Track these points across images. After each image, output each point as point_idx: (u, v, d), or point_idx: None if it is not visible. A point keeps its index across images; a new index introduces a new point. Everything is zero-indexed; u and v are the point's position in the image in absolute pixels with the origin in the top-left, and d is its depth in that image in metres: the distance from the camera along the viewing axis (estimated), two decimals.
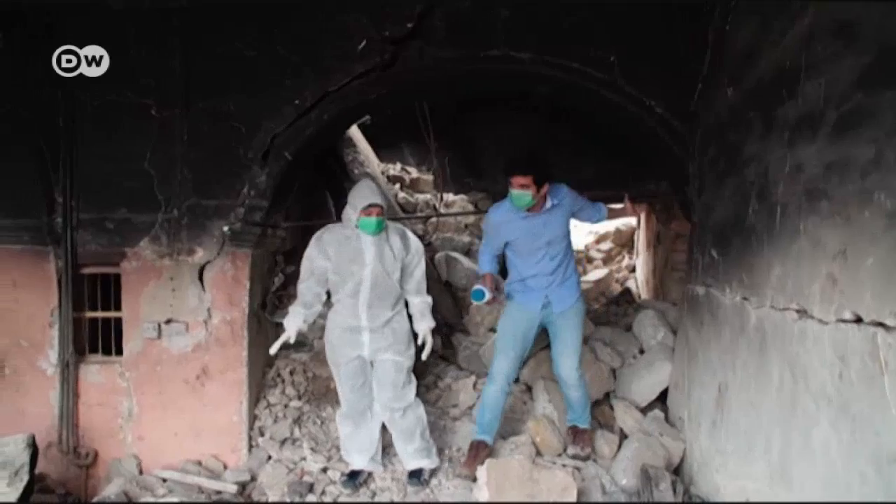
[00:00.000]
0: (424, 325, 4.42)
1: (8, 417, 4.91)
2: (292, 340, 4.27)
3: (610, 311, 6.85)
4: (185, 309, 4.90)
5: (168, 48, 4.76)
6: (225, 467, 4.88)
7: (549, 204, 4.20)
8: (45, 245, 4.94)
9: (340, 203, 7.58)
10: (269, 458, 4.85)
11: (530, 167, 3.99)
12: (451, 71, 4.82)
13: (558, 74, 4.56)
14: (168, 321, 4.90)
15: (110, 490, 4.48)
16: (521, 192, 4.02)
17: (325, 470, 4.70)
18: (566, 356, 4.40)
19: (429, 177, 8.04)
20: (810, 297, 2.52)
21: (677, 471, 4.18)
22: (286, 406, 5.18)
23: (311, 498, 4.43)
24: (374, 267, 4.16)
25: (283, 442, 4.93)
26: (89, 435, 4.97)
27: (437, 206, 7.44)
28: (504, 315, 4.57)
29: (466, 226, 7.39)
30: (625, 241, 12.61)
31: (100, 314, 5.13)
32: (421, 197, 7.63)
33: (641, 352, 5.24)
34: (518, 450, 4.55)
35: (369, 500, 4.40)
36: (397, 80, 4.79)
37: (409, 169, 8.15)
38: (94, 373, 5.01)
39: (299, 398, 5.26)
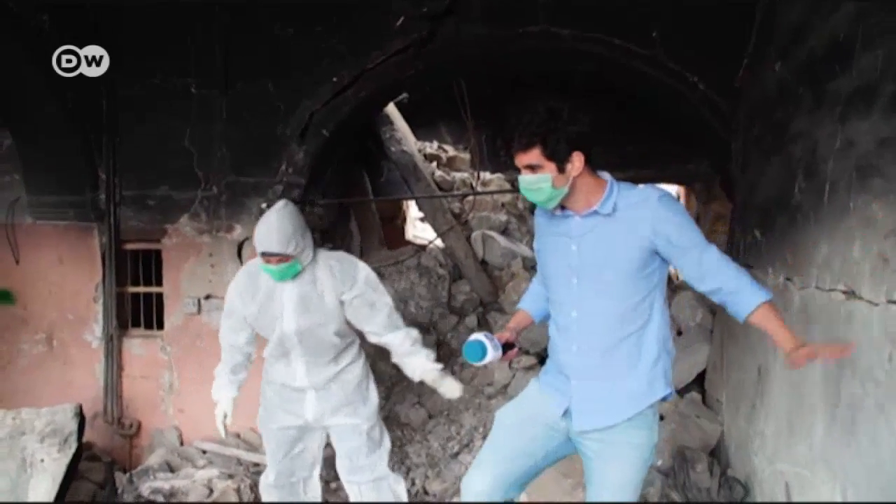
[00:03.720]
0: (417, 362, 3.19)
1: (56, 388, 5.06)
2: (229, 419, 3.38)
3: None
4: (224, 284, 4.89)
5: (208, 28, 4.78)
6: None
7: (597, 207, 2.33)
8: (90, 221, 5.03)
9: (376, 181, 7.62)
10: None
11: (537, 133, 2.22)
12: (488, 48, 4.76)
13: (599, 51, 4.47)
14: (207, 297, 4.97)
15: (153, 460, 4.59)
16: (527, 177, 2.29)
17: None
18: None
19: (466, 155, 8.02)
20: (859, 277, 2.46)
21: (714, 453, 4.13)
22: None
23: None
24: (297, 321, 3.08)
25: None
26: (133, 406, 5.09)
27: (474, 184, 7.41)
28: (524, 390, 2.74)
29: (503, 204, 7.37)
30: None
31: (142, 289, 5.23)
32: (458, 175, 7.61)
33: (679, 333, 5.18)
34: None
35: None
36: (434, 58, 4.75)
37: (446, 147, 8.13)
38: (137, 346, 5.11)
39: None
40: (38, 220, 5.10)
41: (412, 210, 11.21)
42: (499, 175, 7.82)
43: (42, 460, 3.77)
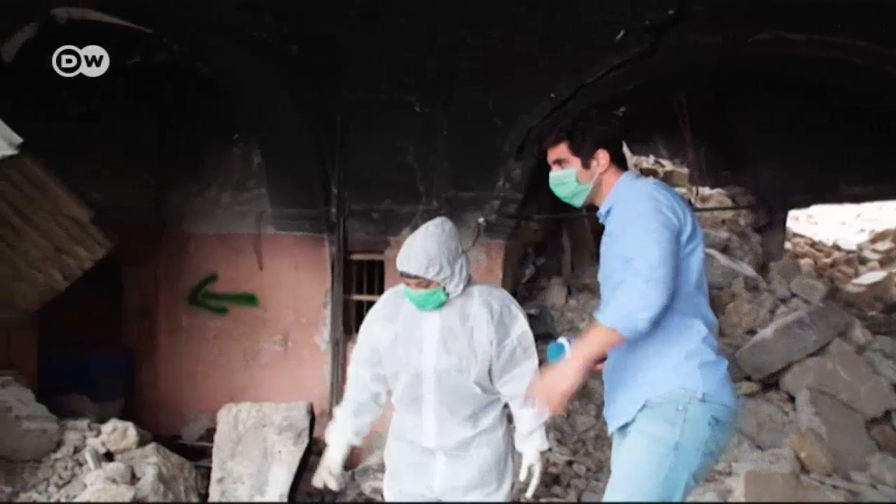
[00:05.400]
0: (530, 447, 2.67)
1: (289, 385, 5.53)
2: (336, 469, 2.73)
3: (892, 320, 6.09)
4: None
5: (430, 48, 5.01)
6: None
7: (605, 206, 2.34)
8: (322, 232, 5.46)
9: None
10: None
11: (565, 129, 2.36)
12: (713, 58, 4.57)
13: (836, 55, 4.12)
14: None
15: (372, 460, 4.86)
16: (555, 172, 2.38)
17: (570, 463, 4.69)
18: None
19: (683, 170, 7.70)
20: None
21: None
22: None
23: (556, 490, 4.46)
24: (437, 358, 2.61)
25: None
26: None
27: (692, 200, 7.09)
28: None
29: (724, 221, 6.99)
30: None
31: (365, 297, 5.57)
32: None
33: None
34: (778, 463, 4.21)
35: None
36: (655, 70, 4.63)
37: (663, 161, 7.87)
38: None
39: None
40: (279, 231, 5.63)
41: None
42: (719, 190, 7.43)
43: (280, 451, 4.16)
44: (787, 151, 7.45)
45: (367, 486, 4.29)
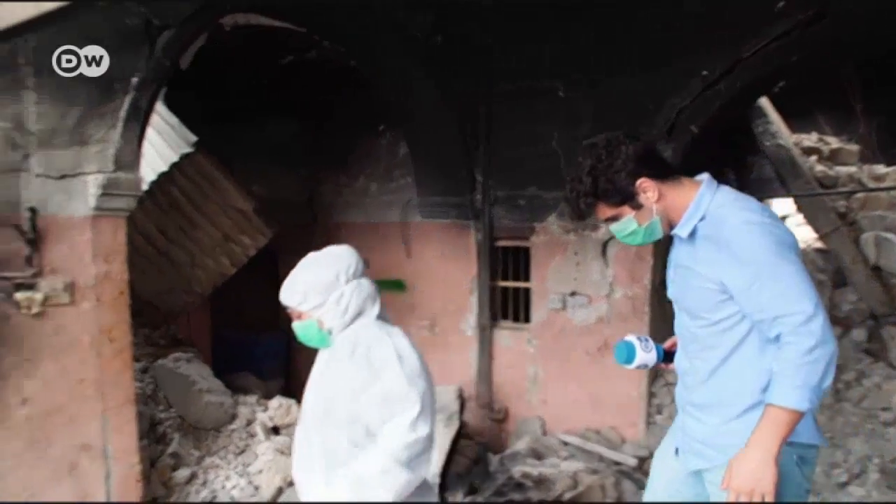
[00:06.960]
0: (337, 486, 2.09)
1: (436, 370, 5.55)
2: None
3: None
4: (588, 283, 5.07)
5: (574, 32, 4.91)
6: (622, 440, 4.96)
7: (676, 228, 2.06)
8: (467, 220, 5.52)
9: (744, 180, 7.11)
10: None
11: (589, 193, 2.02)
12: (889, 21, 4.15)
13: None
14: (572, 294, 5.13)
15: (519, 445, 4.88)
16: (614, 227, 2.10)
17: None
18: None
19: (852, 147, 7.09)
20: None
21: None
22: None
23: None
24: (312, 403, 2.26)
25: None
26: (501, 393, 5.46)
27: (864, 179, 6.53)
28: None
29: None
30: None
31: (510, 284, 5.58)
32: (843, 170, 6.76)
33: None
34: None
35: None
36: (822, 39, 4.27)
37: (827, 139, 7.28)
38: (505, 337, 5.48)
39: None
40: (425, 219, 5.75)
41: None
42: (895, 168, 6.79)
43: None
44: None
45: (516, 471, 4.30)
